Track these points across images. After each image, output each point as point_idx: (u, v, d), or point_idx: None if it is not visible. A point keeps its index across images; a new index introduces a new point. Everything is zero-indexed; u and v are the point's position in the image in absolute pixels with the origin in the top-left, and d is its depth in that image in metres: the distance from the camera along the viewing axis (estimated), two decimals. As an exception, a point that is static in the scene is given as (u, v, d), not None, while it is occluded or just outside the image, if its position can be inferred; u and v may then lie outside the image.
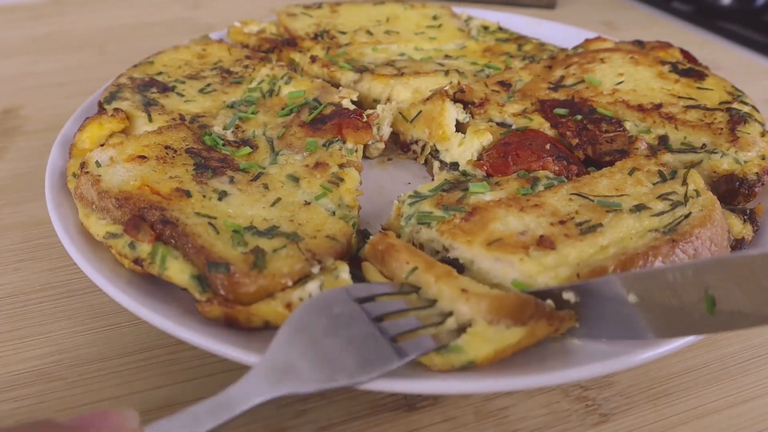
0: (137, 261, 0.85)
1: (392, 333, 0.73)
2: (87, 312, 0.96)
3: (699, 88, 1.19)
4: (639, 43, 1.41)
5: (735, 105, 1.13)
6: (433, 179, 1.19)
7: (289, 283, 0.80)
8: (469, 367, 0.73)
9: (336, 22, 1.62)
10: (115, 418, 0.57)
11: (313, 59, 1.43)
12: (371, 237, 0.89)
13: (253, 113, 1.20)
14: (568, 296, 0.76)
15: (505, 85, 1.28)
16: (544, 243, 0.84)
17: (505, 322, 0.74)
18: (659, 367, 0.87)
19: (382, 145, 1.26)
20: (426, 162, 1.25)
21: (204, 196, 0.93)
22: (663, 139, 1.10)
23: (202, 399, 0.81)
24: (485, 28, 1.67)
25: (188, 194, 0.93)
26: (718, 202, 0.92)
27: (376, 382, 0.72)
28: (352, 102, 1.25)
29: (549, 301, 0.76)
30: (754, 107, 1.14)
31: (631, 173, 0.99)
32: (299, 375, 0.66)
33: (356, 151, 1.12)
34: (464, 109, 1.21)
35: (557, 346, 0.81)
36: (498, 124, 1.18)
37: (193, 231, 0.85)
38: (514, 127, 1.17)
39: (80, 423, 0.55)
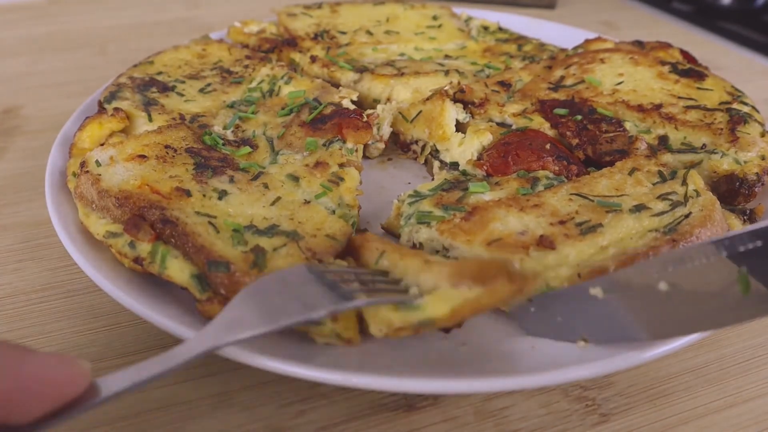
0: (137, 260, 0.85)
1: (345, 290, 0.74)
2: (87, 312, 0.95)
3: (699, 88, 1.19)
4: (639, 44, 1.41)
5: (735, 105, 1.13)
6: (433, 179, 1.19)
7: (289, 283, 0.80)
8: (426, 325, 0.73)
9: (336, 22, 1.62)
10: (67, 358, 0.58)
11: (313, 59, 1.43)
12: (352, 236, 0.90)
13: (253, 113, 1.20)
14: (595, 292, 0.76)
15: (505, 85, 1.28)
16: (544, 243, 0.84)
17: (467, 284, 0.73)
18: (659, 367, 0.87)
19: (382, 145, 1.26)
20: (426, 162, 1.25)
21: (204, 196, 0.93)
22: (663, 140, 1.10)
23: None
24: (485, 28, 1.67)
25: (188, 193, 0.93)
26: (718, 203, 0.92)
27: (376, 381, 0.72)
28: (353, 102, 1.25)
29: (516, 264, 0.75)
30: (753, 107, 1.14)
31: (631, 173, 0.99)
32: (243, 324, 0.68)
33: (356, 150, 1.12)
34: (464, 109, 1.21)
35: (557, 346, 0.81)
36: (498, 124, 1.18)
37: (193, 230, 0.85)
38: (514, 127, 1.17)
39: (30, 351, 0.56)
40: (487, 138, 1.12)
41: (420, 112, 1.21)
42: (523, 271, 0.76)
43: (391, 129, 1.25)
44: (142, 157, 1.00)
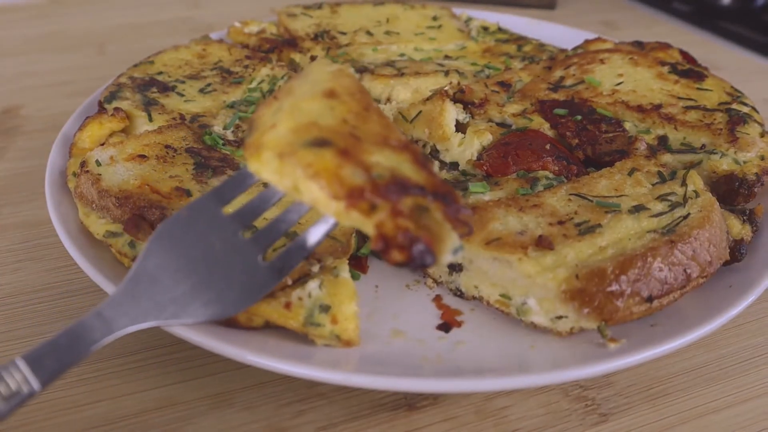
0: (136, 259, 0.85)
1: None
2: (86, 312, 0.95)
3: (698, 88, 1.19)
4: (638, 44, 1.41)
5: (734, 105, 1.13)
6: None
7: (289, 282, 0.80)
8: None
9: (336, 23, 1.63)
10: None
11: (313, 60, 1.43)
12: None
13: (253, 113, 1.20)
14: None
15: (504, 85, 1.28)
16: (543, 243, 0.84)
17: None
18: (658, 366, 0.87)
19: (381, 145, 1.26)
20: (426, 162, 1.25)
21: (204, 196, 0.93)
22: (662, 140, 1.10)
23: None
24: (485, 28, 1.67)
25: (188, 193, 0.93)
26: (717, 203, 0.92)
27: (376, 381, 0.72)
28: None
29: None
30: (753, 108, 1.14)
31: (630, 174, 0.99)
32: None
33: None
34: (464, 109, 1.21)
35: (557, 345, 0.81)
36: (498, 124, 1.18)
37: (193, 230, 0.85)
38: (513, 127, 1.17)
39: None
40: (486, 138, 1.12)
41: (420, 112, 1.21)
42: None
43: (391, 129, 1.25)
44: (143, 156, 1.00)
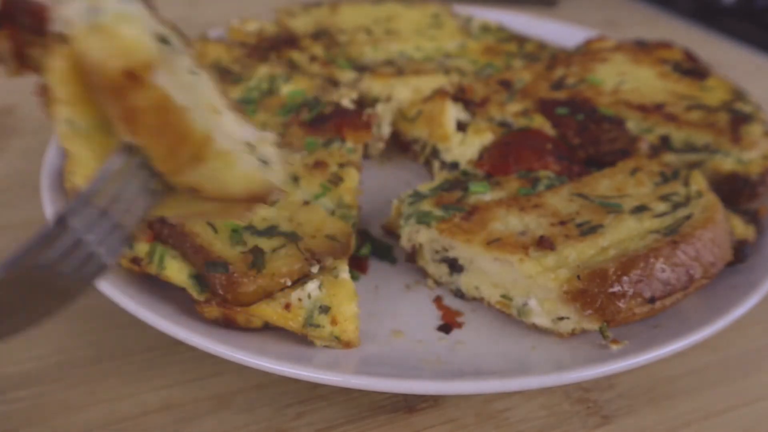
0: (135, 260, 0.84)
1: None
2: (85, 312, 0.95)
3: (701, 87, 1.18)
4: (640, 43, 1.40)
5: (737, 104, 1.12)
6: (433, 179, 1.18)
7: (288, 283, 0.80)
8: None
9: (336, 21, 1.62)
10: None
11: (313, 58, 1.42)
12: None
13: (252, 112, 1.19)
14: None
15: (505, 84, 1.28)
16: (544, 244, 0.83)
17: None
18: (661, 368, 0.87)
19: (382, 145, 1.25)
20: (426, 162, 1.24)
21: (202, 196, 0.93)
22: (665, 139, 1.09)
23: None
24: (486, 27, 1.66)
25: (187, 194, 0.92)
26: (721, 204, 0.91)
27: (376, 382, 0.71)
28: (354, 101, 1.24)
29: None
30: (757, 107, 1.14)
31: (632, 174, 0.98)
32: None
33: (356, 150, 1.11)
34: (465, 108, 1.20)
35: (558, 347, 0.81)
36: (499, 123, 1.17)
37: (191, 230, 0.84)
38: (515, 126, 1.16)
39: None
40: (487, 137, 1.11)
41: (420, 111, 1.20)
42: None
43: (392, 128, 1.25)
44: (141, 156, 0.99)
